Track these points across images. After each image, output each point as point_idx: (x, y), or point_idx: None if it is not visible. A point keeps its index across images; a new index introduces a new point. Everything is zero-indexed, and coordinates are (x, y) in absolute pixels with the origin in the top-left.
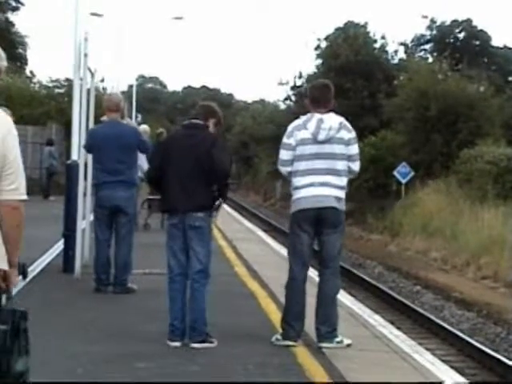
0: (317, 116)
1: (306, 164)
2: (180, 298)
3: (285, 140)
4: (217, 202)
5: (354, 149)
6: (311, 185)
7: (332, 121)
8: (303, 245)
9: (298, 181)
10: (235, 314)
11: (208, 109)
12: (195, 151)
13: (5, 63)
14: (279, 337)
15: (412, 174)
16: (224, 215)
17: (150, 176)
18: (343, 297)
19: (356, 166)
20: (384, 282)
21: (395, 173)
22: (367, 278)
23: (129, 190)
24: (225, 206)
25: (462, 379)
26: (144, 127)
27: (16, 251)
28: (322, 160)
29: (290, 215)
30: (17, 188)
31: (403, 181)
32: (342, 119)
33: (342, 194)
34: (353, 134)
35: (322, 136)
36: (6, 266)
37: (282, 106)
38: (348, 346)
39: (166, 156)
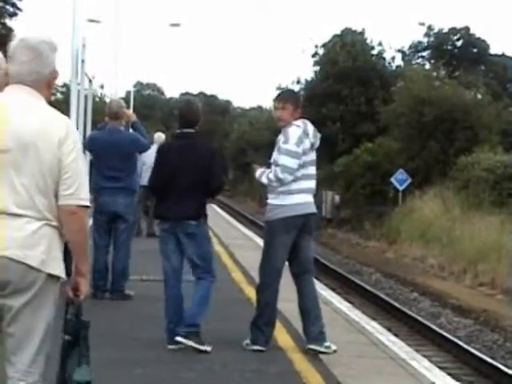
0: (309, 123)
1: (303, 171)
2: (174, 301)
3: (295, 148)
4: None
5: None
6: (302, 191)
7: (315, 129)
8: (285, 251)
9: (291, 185)
10: (232, 320)
11: (198, 113)
12: (194, 163)
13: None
14: (249, 341)
15: (409, 180)
16: (221, 222)
17: (153, 185)
18: (340, 303)
19: None
20: (381, 289)
21: (392, 179)
22: (364, 285)
23: (128, 197)
24: (222, 213)
25: None
26: (159, 135)
27: (82, 259)
28: (312, 166)
29: (271, 220)
30: (73, 193)
31: (400, 188)
32: None
33: None
34: None
35: (317, 144)
36: (63, 274)
37: None
38: (334, 351)
39: (166, 165)
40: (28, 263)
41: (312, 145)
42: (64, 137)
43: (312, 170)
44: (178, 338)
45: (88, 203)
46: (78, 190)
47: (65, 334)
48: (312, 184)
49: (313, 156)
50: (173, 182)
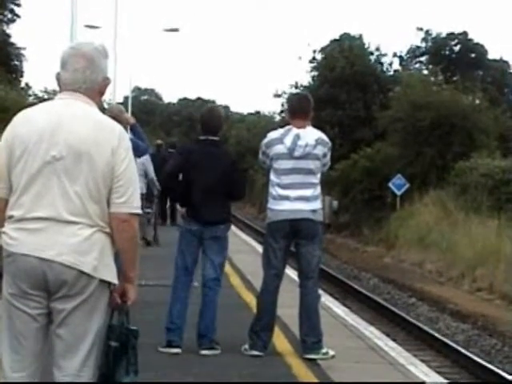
0: (294, 131)
1: (283, 178)
2: (181, 305)
3: (264, 148)
4: None
5: (327, 159)
6: (287, 198)
7: (308, 137)
8: (276, 256)
9: (275, 191)
10: (230, 324)
11: (221, 120)
12: (217, 171)
13: None
14: (247, 347)
15: (407, 185)
16: None
17: (166, 182)
18: (338, 308)
19: (324, 169)
20: (379, 294)
21: (390, 185)
22: (362, 290)
23: None
24: None
25: None
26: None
27: (132, 266)
28: (297, 175)
29: (266, 225)
30: (126, 201)
31: (398, 193)
32: (319, 135)
33: (317, 204)
34: (328, 146)
35: (298, 153)
36: (115, 280)
37: (278, 118)
38: (333, 357)
39: (188, 169)
40: (80, 269)
41: (289, 151)
42: (117, 145)
43: (291, 178)
44: (205, 352)
45: (140, 211)
46: (131, 198)
47: (111, 340)
48: (297, 192)
49: (295, 164)
50: (195, 186)
